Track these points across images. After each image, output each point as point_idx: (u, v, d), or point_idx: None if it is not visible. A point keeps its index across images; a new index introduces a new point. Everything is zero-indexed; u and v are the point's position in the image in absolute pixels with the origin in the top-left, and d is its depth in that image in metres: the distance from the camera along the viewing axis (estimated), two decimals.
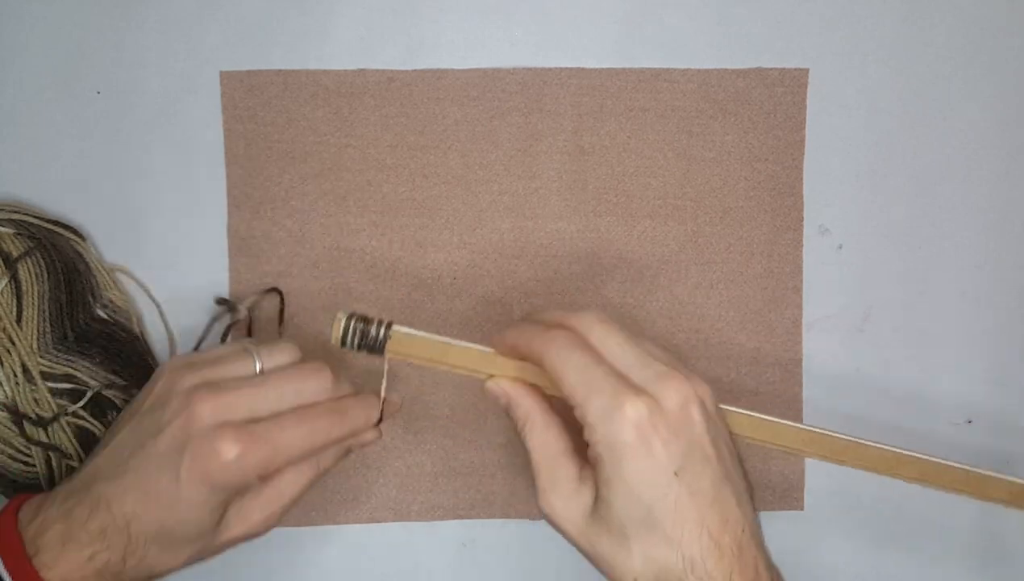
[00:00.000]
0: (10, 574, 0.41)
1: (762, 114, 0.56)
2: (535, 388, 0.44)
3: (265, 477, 0.44)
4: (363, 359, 0.49)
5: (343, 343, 0.45)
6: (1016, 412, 0.58)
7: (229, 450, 0.42)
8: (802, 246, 0.57)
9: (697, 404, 0.41)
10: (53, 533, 0.42)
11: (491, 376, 0.45)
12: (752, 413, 0.45)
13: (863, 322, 0.57)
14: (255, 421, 0.43)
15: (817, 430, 0.45)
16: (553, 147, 0.56)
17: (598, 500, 0.41)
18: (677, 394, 0.40)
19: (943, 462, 0.45)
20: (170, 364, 0.46)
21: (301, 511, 0.56)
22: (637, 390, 0.40)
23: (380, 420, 0.48)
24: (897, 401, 0.57)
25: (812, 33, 0.56)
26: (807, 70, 0.56)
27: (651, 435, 0.39)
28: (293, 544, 0.56)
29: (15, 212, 0.52)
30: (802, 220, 0.57)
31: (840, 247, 0.57)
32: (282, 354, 0.47)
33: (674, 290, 0.57)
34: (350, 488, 0.56)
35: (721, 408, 0.44)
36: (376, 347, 0.45)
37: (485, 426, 0.56)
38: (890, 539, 0.58)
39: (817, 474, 0.57)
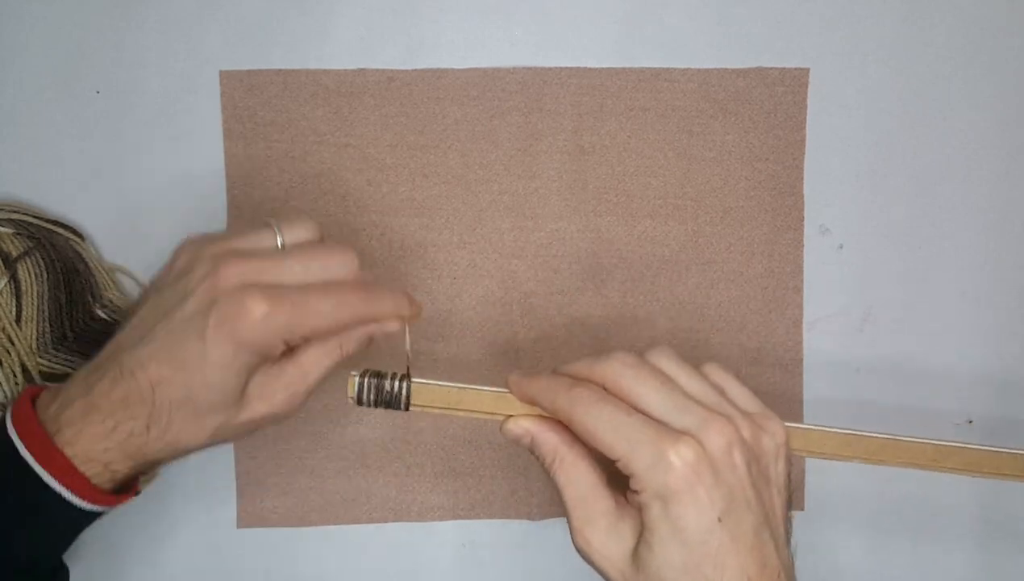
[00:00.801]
0: (32, 454, 0.41)
1: (762, 114, 0.56)
2: (558, 422, 0.43)
3: (290, 343, 0.43)
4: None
5: (359, 402, 0.44)
6: (1017, 412, 0.58)
7: (256, 307, 0.41)
8: (802, 246, 0.57)
9: (740, 446, 0.40)
10: (74, 409, 0.42)
11: (509, 417, 0.44)
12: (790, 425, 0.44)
13: (863, 322, 0.57)
14: (282, 287, 0.43)
15: (852, 432, 0.44)
16: (553, 147, 0.56)
17: (640, 543, 0.40)
18: (720, 437, 0.40)
19: (989, 449, 0.45)
20: (189, 239, 0.45)
21: (301, 511, 0.56)
22: (678, 435, 0.39)
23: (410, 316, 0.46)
24: (898, 401, 0.57)
25: (812, 33, 0.56)
26: (807, 70, 0.56)
27: (696, 482, 0.39)
28: (293, 544, 0.56)
29: (15, 212, 0.52)
30: (802, 220, 0.57)
31: (840, 247, 0.57)
32: (304, 230, 0.46)
33: (674, 290, 0.57)
34: (350, 488, 0.56)
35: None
36: (392, 402, 0.44)
37: (485, 426, 0.56)
38: (890, 539, 0.58)
39: (818, 474, 0.57)
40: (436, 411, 0.44)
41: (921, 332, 0.57)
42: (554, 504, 0.57)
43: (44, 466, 0.41)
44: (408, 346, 0.46)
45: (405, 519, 0.57)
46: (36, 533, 0.43)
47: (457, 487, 0.57)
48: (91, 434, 0.42)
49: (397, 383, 0.44)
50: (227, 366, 0.42)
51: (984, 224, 0.57)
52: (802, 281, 0.57)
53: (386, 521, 0.56)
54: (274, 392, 0.44)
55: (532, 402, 0.43)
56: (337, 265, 0.45)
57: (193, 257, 0.44)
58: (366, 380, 0.44)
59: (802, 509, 0.57)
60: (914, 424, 0.57)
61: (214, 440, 0.44)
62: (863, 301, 0.57)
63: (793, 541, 0.43)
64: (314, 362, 0.45)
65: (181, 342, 0.42)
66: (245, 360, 0.42)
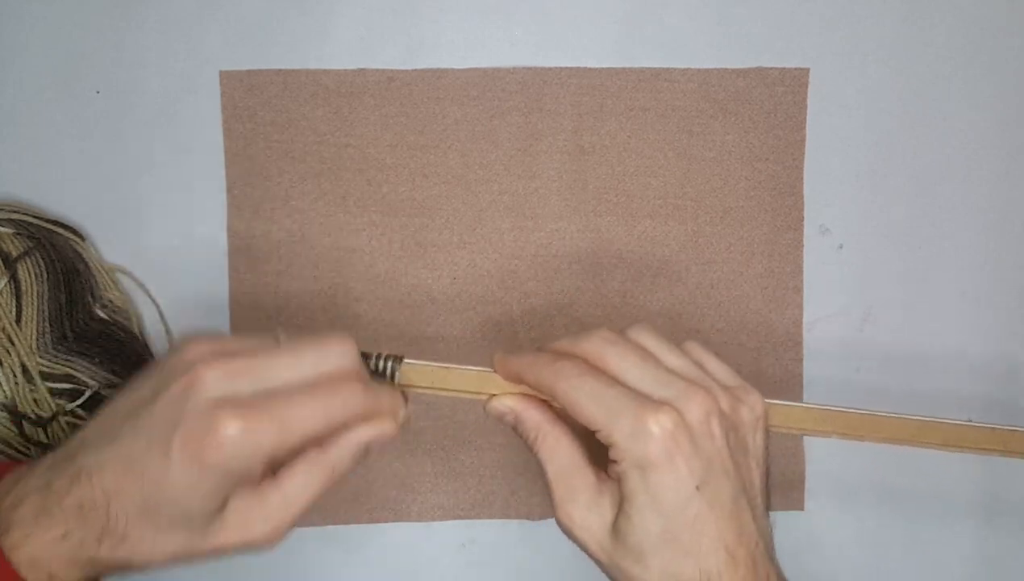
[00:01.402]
0: None
1: (762, 114, 0.56)
2: (541, 400, 0.43)
3: (273, 464, 0.39)
4: None
5: None
6: (1017, 412, 0.58)
7: (229, 425, 0.37)
8: (802, 246, 0.57)
9: (718, 416, 0.40)
10: (27, 507, 0.38)
11: (493, 395, 0.44)
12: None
13: (863, 322, 0.57)
14: (265, 394, 0.38)
15: (830, 408, 0.44)
16: (553, 147, 0.56)
17: (620, 514, 0.40)
18: (699, 408, 0.40)
19: (971, 423, 0.45)
20: (187, 337, 0.41)
21: None
22: (657, 405, 0.40)
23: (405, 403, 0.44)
24: (897, 401, 0.57)
25: (812, 33, 0.56)
26: (807, 70, 0.56)
27: (675, 450, 0.39)
28: (293, 544, 0.56)
29: (15, 212, 0.52)
30: (802, 220, 0.57)
31: (840, 247, 0.57)
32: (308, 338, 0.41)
33: (674, 290, 0.57)
34: (350, 488, 0.56)
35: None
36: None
37: (485, 426, 0.56)
38: (890, 539, 0.58)
39: (817, 474, 0.57)
40: (421, 391, 0.44)
41: (921, 332, 0.57)
42: None
43: None
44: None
45: (405, 519, 0.57)
46: None
47: (457, 487, 0.57)
48: (41, 540, 0.38)
49: (382, 362, 0.44)
50: (193, 488, 0.38)
51: (984, 224, 0.57)
52: (802, 281, 0.57)
53: (386, 521, 0.56)
54: (254, 521, 0.40)
55: (517, 379, 0.43)
56: (333, 359, 0.40)
57: (178, 354, 0.39)
58: None
59: (802, 509, 0.57)
60: None
61: (176, 562, 0.40)
62: (863, 301, 0.57)
63: (772, 517, 0.42)
64: (301, 489, 0.40)
65: (144, 452, 0.38)
66: (216, 482, 0.38)
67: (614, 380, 0.41)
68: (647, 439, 0.39)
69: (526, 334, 0.56)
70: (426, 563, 0.57)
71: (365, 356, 0.44)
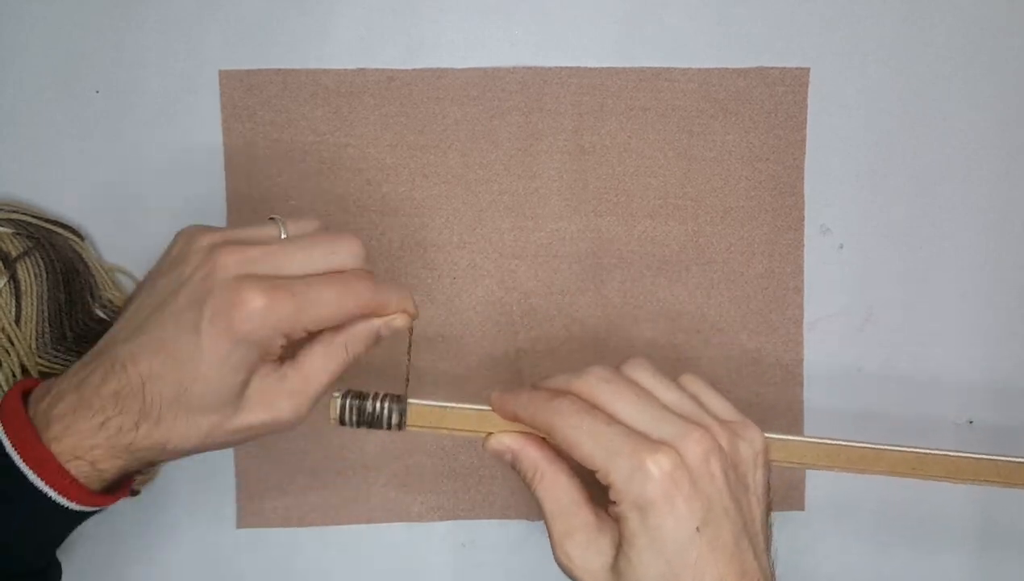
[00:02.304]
0: (16, 449, 0.40)
1: (763, 114, 0.56)
2: (539, 438, 0.43)
3: (292, 337, 0.41)
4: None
5: (341, 422, 0.44)
6: (1017, 412, 0.58)
7: (253, 298, 0.39)
8: (803, 246, 0.57)
9: (717, 455, 0.40)
10: (65, 403, 0.41)
11: (491, 434, 0.44)
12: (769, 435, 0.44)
13: (864, 322, 0.57)
14: (282, 277, 0.41)
15: (831, 442, 0.45)
16: (553, 147, 0.56)
17: (620, 555, 0.40)
18: (698, 447, 0.40)
19: (972, 456, 0.45)
20: (185, 229, 0.43)
21: (301, 511, 0.56)
22: (655, 445, 0.40)
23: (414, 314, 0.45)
24: (898, 401, 0.57)
25: (812, 33, 0.56)
26: (807, 70, 0.56)
27: (674, 492, 0.39)
28: (293, 544, 0.56)
29: (14, 212, 0.52)
30: (803, 220, 0.57)
31: (841, 247, 0.57)
32: (308, 224, 0.44)
33: (674, 290, 0.57)
34: (350, 488, 0.56)
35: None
36: (375, 422, 0.44)
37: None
38: (891, 539, 0.58)
39: (818, 473, 0.57)
40: (419, 429, 0.44)
41: (921, 332, 0.57)
42: None
43: (29, 464, 0.40)
44: (409, 356, 0.45)
45: (405, 519, 0.56)
46: (20, 532, 0.41)
47: (457, 487, 0.57)
48: (79, 430, 0.40)
49: (378, 404, 0.44)
50: (223, 361, 0.40)
51: (984, 224, 0.57)
52: (802, 281, 0.57)
53: (386, 521, 0.56)
54: (276, 398, 0.42)
55: (514, 418, 0.43)
56: (343, 254, 0.42)
57: (188, 245, 0.42)
58: (347, 401, 0.44)
59: (802, 509, 0.57)
60: (914, 424, 0.57)
61: (207, 442, 0.42)
62: (863, 301, 0.57)
63: (774, 548, 0.43)
64: (319, 366, 0.43)
65: (174, 335, 0.40)
66: (242, 355, 0.40)
67: (612, 419, 0.41)
68: (646, 480, 0.39)
69: (526, 334, 0.56)
70: (426, 563, 0.57)
71: (362, 396, 0.44)
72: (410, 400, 0.44)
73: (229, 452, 0.56)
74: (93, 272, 0.54)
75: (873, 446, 0.45)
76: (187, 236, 0.43)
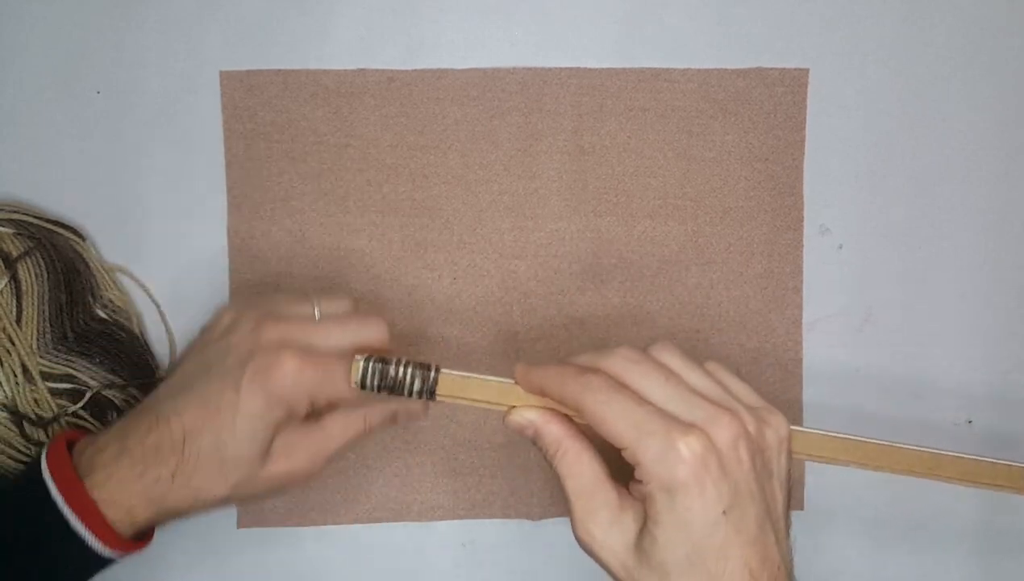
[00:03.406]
0: (63, 497, 0.43)
1: (762, 114, 0.56)
2: (562, 414, 0.43)
3: (316, 403, 0.46)
4: None
5: (363, 385, 0.44)
6: (1016, 412, 0.58)
7: (289, 362, 0.45)
8: (802, 246, 0.57)
9: (745, 440, 0.41)
10: (108, 453, 0.45)
11: (513, 407, 0.44)
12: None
13: (863, 322, 0.57)
14: (315, 349, 0.46)
15: (850, 437, 0.45)
16: (553, 147, 0.56)
17: (644, 534, 0.40)
18: (727, 431, 0.40)
19: (985, 459, 0.45)
20: (234, 302, 0.49)
21: (301, 511, 0.56)
22: (687, 427, 0.40)
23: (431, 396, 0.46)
24: (897, 401, 0.57)
25: (812, 33, 0.56)
26: (807, 70, 0.56)
27: (704, 475, 0.39)
28: (293, 544, 0.56)
29: (15, 212, 0.52)
30: (802, 220, 0.57)
31: (840, 247, 0.57)
32: (339, 303, 0.49)
33: (674, 290, 0.57)
34: (350, 488, 0.56)
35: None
36: (396, 388, 0.44)
37: (485, 426, 0.56)
38: (890, 538, 0.58)
39: (817, 473, 0.57)
40: (438, 399, 0.44)
41: (921, 332, 0.57)
42: (554, 504, 0.57)
43: (72, 507, 0.43)
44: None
45: (405, 519, 0.57)
46: (50, 572, 0.44)
47: (457, 487, 0.57)
48: (120, 478, 0.44)
49: (402, 369, 0.44)
50: (256, 417, 0.45)
51: (983, 224, 0.57)
52: (802, 281, 0.57)
53: (386, 521, 0.56)
54: (296, 451, 0.46)
55: (540, 391, 0.43)
56: (368, 336, 0.47)
57: (237, 318, 0.48)
58: (370, 364, 0.44)
59: (802, 508, 0.57)
60: (913, 424, 0.57)
61: (234, 494, 0.46)
62: (863, 301, 0.57)
63: (792, 536, 0.43)
64: (339, 429, 0.47)
65: (217, 392, 0.45)
66: (273, 413, 0.45)
67: (642, 398, 0.41)
68: (677, 462, 0.39)
69: (526, 334, 0.56)
70: (426, 563, 0.57)
71: (386, 361, 0.44)
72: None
73: None
74: (94, 272, 0.54)
75: (892, 444, 0.45)
76: (234, 309, 0.49)
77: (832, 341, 0.57)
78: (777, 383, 0.57)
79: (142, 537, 0.46)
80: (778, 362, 0.57)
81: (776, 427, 0.42)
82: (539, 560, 0.57)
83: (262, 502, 0.56)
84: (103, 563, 0.45)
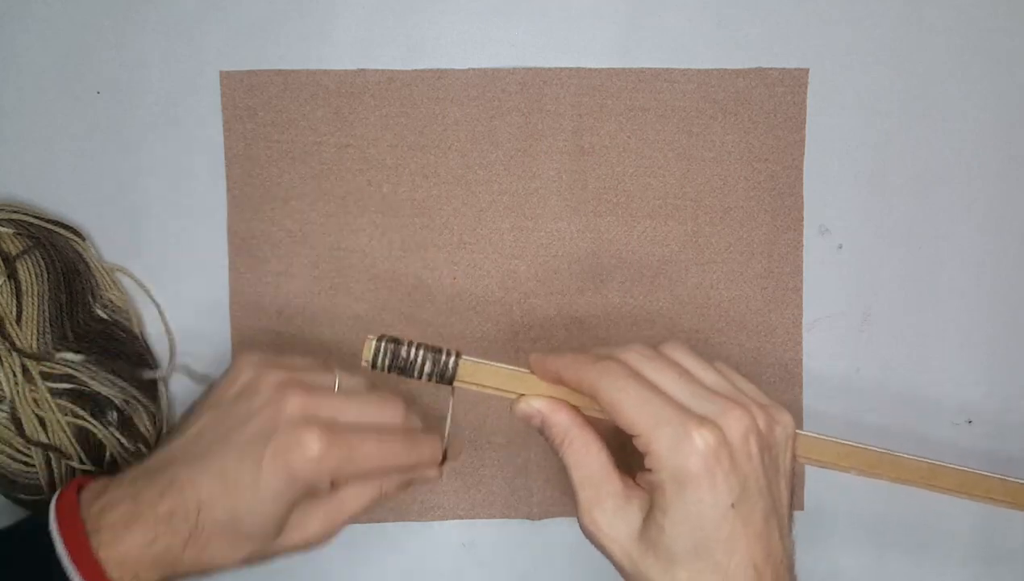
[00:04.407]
0: (69, 554, 0.41)
1: (762, 114, 0.56)
2: (569, 405, 0.44)
3: (337, 482, 0.45)
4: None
5: (373, 365, 0.45)
6: (1016, 412, 0.58)
7: (313, 444, 0.43)
8: (802, 246, 0.57)
9: (756, 435, 0.41)
10: (118, 513, 0.42)
11: (521, 396, 0.44)
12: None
13: (863, 322, 0.57)
14: (337, 426, 0.44)
15: (850, 444, 0.45)
16: (553, 147, 0.56)
17: (650, 523, 0.41)
18: (739, 424, 0.41)
19: (981, 472, 0.46)
20: (250, 359, 0.47)
21: None
22: (701, 419, 0.40)
23: (443, 460, 0.48)
24: (897, 401, 0.57)
25: (812, 33, 0.56)
26: (807, 70, 0.56)
27: (715, 467, 0.40)
28: None
29: (15, 212, 0.52)
30: (802, 220, 0.57)
31: (840, 247, 0.57)
32: (358, 380, 0.48)
33: (674, 290, 0.57)
34: None
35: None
36: (407, 369, 0.44)
37: (485, 426, 0.56)
38: (890, 539, 0.58)
39: (817, 474, 0.57)
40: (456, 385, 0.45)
41: (920, 332, 0.57)
42: (554, 504, 0.57)
43: (77, 567, 0.41)
44: (448, 427, 0.48)
45: (405, 519, 0.57)
46: None
47: (457, 487, 0.57)
48: (130, 543, 0.42)
49: (414, 350, 0.44)
50: (277, 496, 0.43)
51: (984, 224, 0.57)
52: (802, 281, 0.57)
53: (386, 521, 0.56)
54: (311, 522, 0.45)
55: (556, 378, 0.44)
56: (388, 414, 0.46)
57: (256, 379, 0.45)
58: (382, 344, 0.44)
59: (802, 509, 0.57)
60: (913, 424, 0.57)
61: (245, 564, 0.45)
62: (863, 301, 0.57)
63: (793, 533, 0.43)
64: (354, 498, 0.46)
65: (236, 466, 0.43)
66: (293, 492, 0.43)
67: (657, 388, 0.41)
68: (690, 453, 0.40)
69: (526, 334, 0.56)
70: (426, 563, 0.57)
71: (398, 342, 0.45)
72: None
73: None
74: (94, 272, 0.54)
75: (891, 452, 0.45)
76: (252, 366, 0.46)
77: (832, 341, 0.57)
78: (777, 383, 0.57)
79: None
80: (778, 362, 0.57)
81: (784, 425, 0.43)
82: (539, 560, 0.57)
83: None
84: None
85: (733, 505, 0.40)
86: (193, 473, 0.43)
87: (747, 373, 0.56)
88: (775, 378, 0.57)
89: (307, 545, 0.46)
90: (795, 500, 0.57)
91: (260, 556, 0.45)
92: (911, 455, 0.45)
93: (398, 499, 0.56)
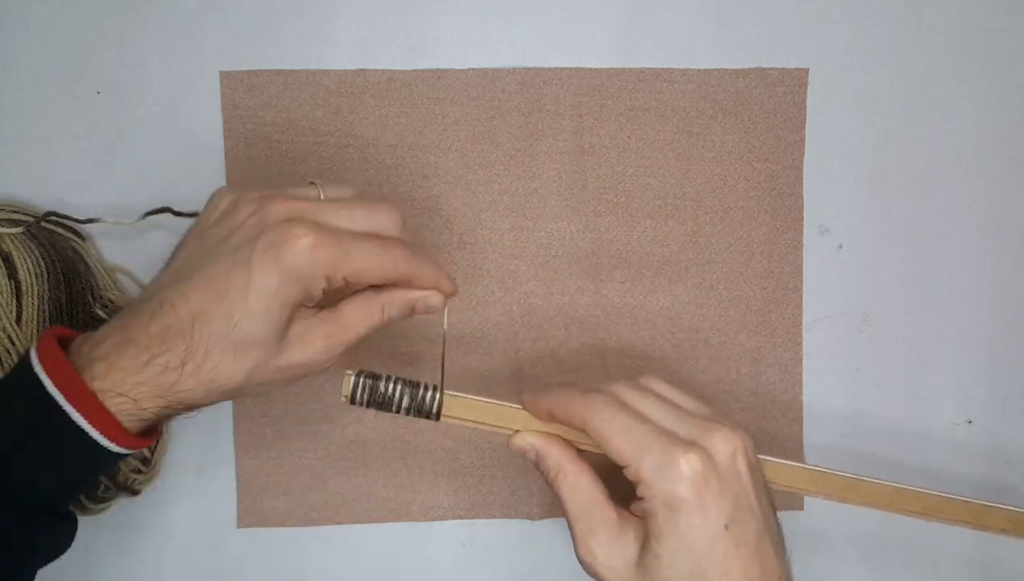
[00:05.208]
0: (56, 385, 0.39)
1: (762, 114, 0.56)
2: (562, 440, 0.45)
3: (333, 282, 0.42)
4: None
5: (352, 400, 0.45)
6: (1016, 412, 0.58)
7: (303, 236, 0.40)
8: (802, 246, 0.57)
9: (743, 454, 0.42)
10: (108, 344, 0.41)
11: (516, 432, 0.46)
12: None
13: (862, 322, 0.57)
14: (328, 226, 0.42)
15: (819, 469, 0.46)
16: (553, 147, 0.56)
17: (646, 551, 0.41)
18: (726, 445, 0.41)
19: (945, 496, 0.46)
20: (226, 190, 0.45)
21: (301, 511, 0.56)
22: (687, 444, 0.41)
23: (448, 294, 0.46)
24: (897, 401, 0.57)
25: (812, 33, 0.56)
26: (807, 70, 0.56)
27: (704, 490, 0.40)
28: (293, 544, 0.56)
29: (15, 212, 0.52)
30: (802, 220, 0.57)
31: (840, 247, 0.57)
32: (344, 189, 0.46)
33: (674, 290, 0.57)
34: (350, 488, 0.56)
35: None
36: (385, 404, 0.45)
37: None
38: (889, 539, 0.58)
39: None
40: (449, 420, 0.46)
41: (921, 332, 0.57)
42: (554, 504, 0.57)
43: (69, 399, 0.39)
44: (446, 326, 0.47)
45: (405, 519, 0.57)
46: (49, 469, 0.41)
47: (457, 487, 0.57)
48: (123, 367, 0.40)
49: (391, 386, 0.45)
50: (271, 294, 0.41)
51: (983, 224, 0.57)
52: (802, 281, 0.57)
53: (386, 521, 0.56)
54: (313, 338, 0.43)
55: (548, 416, 0.45)
56: (382, 218, 0.44)
57: (236, 200, 0.43)
58: (360, 379, 0.45)
59: (801, 509, 0.57)
60: (913, 424, 0.57)
61: (248, 383, 0.42)
62: (863, 301, 0.57)
63: (788, 546, 0.44)
64: (356, 317, 0.44)
65: (226, 270, 0.41)
66: (288, 290, 0.41)
67: (643, 417, 0.42)
68: (678, 479, 0.40)
69: (526, 334, 0.56)
70: (426, 563, 0.57)
71: (376, 376, 0.45)
72: (450, 392, 0.45)
73: (229, 452, 0.56)
74: (94, 272, 0.54)
75: (857, 477, 0.46)
76: (233, 193, 0.44)
77: (832, 341, 0.57)
78: (777, 383, 0.57)
79: (148, 434, 0.43)
80: (778, 362, 0.57)
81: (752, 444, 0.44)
82: (539, 560, 0.57)
83: (261, 499, 0.56)
84: (108, 459, 0.41)
85: (726, 526, 0.40)
86: (183, 289, 0.41)
87: (747, 373, 0.57)
88: (775, 378, 0.57)
89: (312, 363, 0.43)
90: (795, 501, 0.57)
91: (264, 372, 0.42)
92: (875, 479, 0.46)
93: (398, 499, 0.56)
